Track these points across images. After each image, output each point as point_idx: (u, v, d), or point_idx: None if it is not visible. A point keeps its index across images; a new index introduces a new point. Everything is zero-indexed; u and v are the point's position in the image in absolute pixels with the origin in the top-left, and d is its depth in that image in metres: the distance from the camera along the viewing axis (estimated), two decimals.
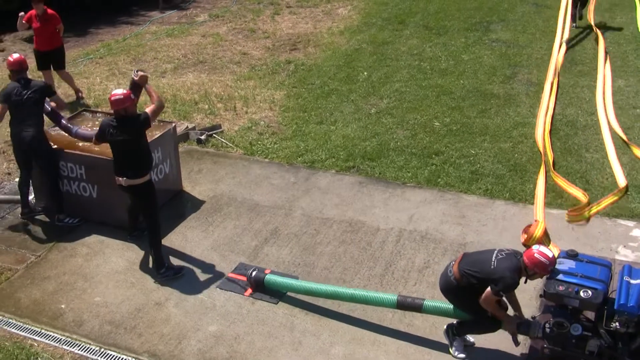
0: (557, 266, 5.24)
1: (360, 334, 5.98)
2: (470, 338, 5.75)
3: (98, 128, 6.82)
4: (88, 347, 5.93)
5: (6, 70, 7.59)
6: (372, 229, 7.44)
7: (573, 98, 10.51)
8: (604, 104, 10.23)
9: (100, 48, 13.70)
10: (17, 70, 7.39)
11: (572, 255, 5.42)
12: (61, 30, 10.53)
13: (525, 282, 5.26)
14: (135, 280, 6.76)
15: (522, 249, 5.33)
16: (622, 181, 7.99)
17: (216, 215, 7.78)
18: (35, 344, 5.97)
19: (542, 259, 5.03)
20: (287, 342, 5.91)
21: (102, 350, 5.90)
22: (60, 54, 10.64)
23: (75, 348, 5.92)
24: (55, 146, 7.55)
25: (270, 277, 6.40)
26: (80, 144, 7.61)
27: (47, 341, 6.00)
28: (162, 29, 14.88)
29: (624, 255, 6.83)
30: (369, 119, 10.00)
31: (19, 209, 7.82)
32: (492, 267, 5.16)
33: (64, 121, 7.65)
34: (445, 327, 5.74)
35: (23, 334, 6.10)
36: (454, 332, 5.67)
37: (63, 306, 6.43)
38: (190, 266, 6.93)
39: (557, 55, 11.94)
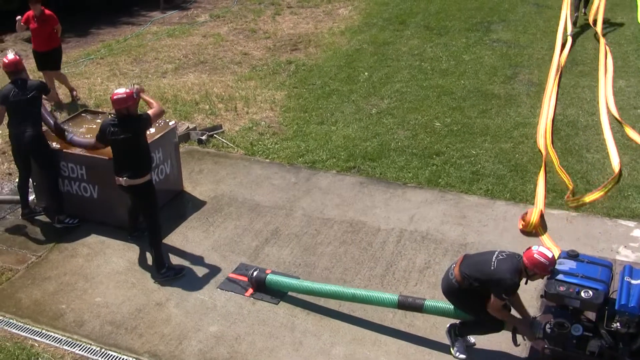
0: (558, 266, 5.24)
1: (361, 334, 5.98)
2: (471, 338, 5.75)
3: (98, 130, 6.84)
4: (89, 348, 5.93)
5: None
6: (372, 229, 7.44)
7: (574, 98, 10.50)
8: (605, 85, 10.65)
9: (101, 48, 13.71)
10: (13, 71, 7.39)
11: (572, 255, 5.42)
12: (59, 30, 10.51)
13: (526, 282, 5.26)
14: (136, 281, 6.76)
15: (522, 248, 5.32)
16: (615, 163, 8.26)
17: (217, 216, 7.78)
18: (36, 345, 5.98)
19: (542, 260, 5.03)
20: (287, 343, 5.91)
21: (103, 350, 5.90)
22: (57, 55, 10.63)
23: (76, 348, 5.93)
24: (57, 146, 7.56)
25: (271, 277, 6.40)
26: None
27: (47, 341, 6.01)
28: (163, 29, 14.89)
29: (625, 255, 6.82)
30: (370, 120, 10.00)
31: (20, 210, 7.83)
32: (492, 268, 5.16)
33: (58, 123, 7.66)
34: (447, 326, 5.74)
35: (24, 334, 6.10)
36: (456, 333, 5.67)
37: (64, 306, 6.44)
38: (191, 266, 6.93)
39: (563, 49, 12.17)
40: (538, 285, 6.02)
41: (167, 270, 6.76)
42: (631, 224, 7.35)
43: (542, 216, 7.33)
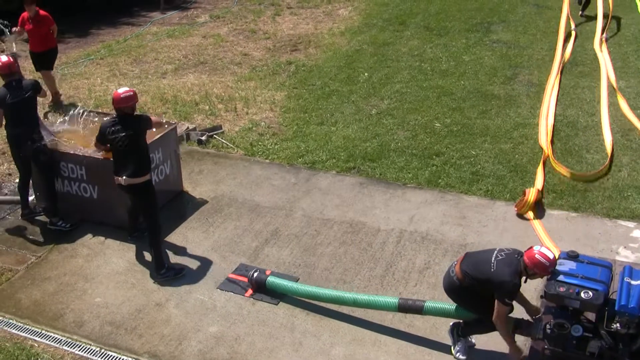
0: (558, 267, 5.23)
1: (360, 334, 5.98)
2: (472, 339, 5.75)
3: (98, 132, 6.87)
4: (88, 348, 5.93)
5: None
6: (372, 229, 7.44)
7: (574, 99, 10.51)
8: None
9: (101, 49, 13.71)
10: (7, 74, 7.38)
11: (572, 256, 5.42)
12: (55, 31, 10.51)
13: (525, 281, 5.25)
14: (135, 281, 6.76)
15: (522, 249, 5.32)
16: (608, 140, 8.88)
17: (217, 216, 7.78)
18: (36, 345, 5.97)
19: (543, 260, 5.03)
20: (287, 343, 5.91)
21: (103, 351, 5.90)
22: (53, 55, 10.63)
23: (75, 349, 5.92)
24: (55, 143, 7.56)
25: (272, 280, 6.40)
26: (82, 147, 7.62)
27: (47, 342, 6.01)
28: (163, 30, 14.89)
29: (625, 256, 6.82)
30: (370, 120, 10.00)
31: (20, 210, 7.83)
32: (492, 269, 5.15)
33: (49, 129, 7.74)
34: (450, 326, 5.73)
35: (23, 334, 6.10)
36: (459, 333, 5.66)
37: (63, 307, 6.44)
38: (191, 267, 6.93)
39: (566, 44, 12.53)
40: (538, 285, 6.02)
41: (167, 271, 6.75)
42: (631, 224, 7.35)
43: (539, 199, 7.52)
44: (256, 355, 5.79)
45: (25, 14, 10.20)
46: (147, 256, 7.04)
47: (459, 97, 10.71)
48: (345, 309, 6.24)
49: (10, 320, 6.28)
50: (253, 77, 11.78)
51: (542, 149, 8.85)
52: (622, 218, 7.46)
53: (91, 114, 8.30)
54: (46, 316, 6.33)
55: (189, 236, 7.44)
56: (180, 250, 7.19)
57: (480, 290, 5.27)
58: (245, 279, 6.59)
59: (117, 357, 5.83)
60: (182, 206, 8.01)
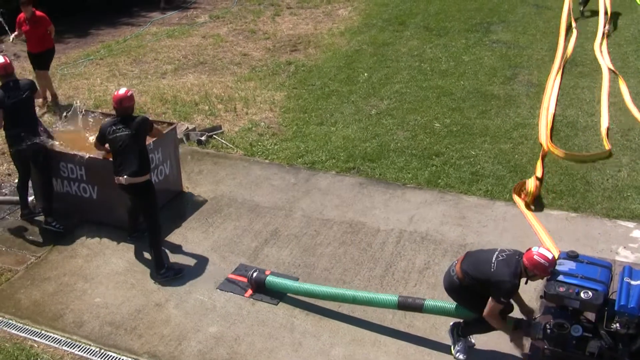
0: (558, 267, 5.23)
1: (360, 334, 5.98)
2: (472, 339, 5.75)
3: (98, 132, 6.90)
4: (88, 348, 5.93)
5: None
6: (372, 230, 7.44)
7: (573, 99, 10.51)
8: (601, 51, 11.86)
9: (101, 49, 13.71)
10: (3, 75, 7.37)
11: (572, 256, 5.41)
12: (52, 32, 10.51)
13: (526, 282, 5.26)
14: (135, 281, 6.76)
15: (522, 249, 5.32)
16: (605, 125, 9.31)
17: (216, 216, 7.78)
18: (36, 345, 5.97)
19: (542, 261, 5.03)
20: (287, 343, 5.91)
21: (102, 351, 5.89)
22: (50, 56, 10.62)
23: (75, 349, 5.92)
24: (56, 144, 7.56)
25: (271, 279, 6.40)
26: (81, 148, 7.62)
27: (47, 342, 6.01)
28: (163, 30, 14.89)
29: (624, 256, 6.82)
30: (370, 120, 10.00)
31: (19, 210, 7.82)
32: (492, 269, 5.15)
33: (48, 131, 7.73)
34: (450, 325, 5.73)
35: (23, 335, 6.10)
36: (459, 333, 5.66)
37: (63, 307, 6.43)
38: (191, 267, 6.93)
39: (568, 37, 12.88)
40: (538, 286, 6.02)
41: (167, 271, 6.75)
42: (630, 224, 7.35)
43: (538, 185, 7.79)
44: (256, 356, 5.78)
45: (22, 15, 10.20)
46: (147, 256, 7.04)
47: (458, 97, 10.71)
48: (345, 309, 6.24)
49: (10, 321, 6.28)
50: (253, 78, 11.79)
51: (541, 145, 8.93)
52: (621, 218, 7.46)
53: (89, 113, 8.30)
54: (46, 316, 6.32)
55: (188, 236, 7.44)
56: (180, 251, 7.19)
57: (480, 290, 5.27)
58: (245, 279, 6.59)
59: (116, 358, 5.83)
60: (181, 206, 8.01)
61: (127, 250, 7.23)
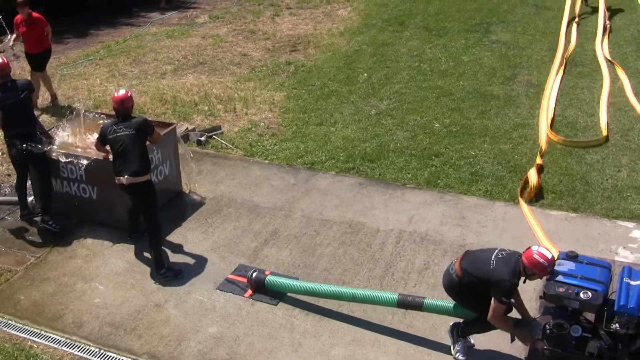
0: (557, 267, 5.23)
1: (360, 335, 5.98)
2: (471, 339, 5.75)
3: (99, 134, 6.91)
4: (88, 349, 5.93)
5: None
6: (372, 230, 7.44)
7: (573, 99, 10.51)
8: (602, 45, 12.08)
9: (101, 49, 13.70)
10: (1, 75, 7.38)
11: (571, 256, 5.42)
12: (49, 33, 10.50)
13: (524, 282, 5.26)
14: (135, 282, 6.76)
15: (522, 249, 5.32)
16: (603, 123, 9.42)
17: (216, 217, 7.78)
18: (35, 346, 5.97)
19: (541, 260, 5.03)
20: (287, 344, 5.91)
21: (102, 351, 5.89)
22: (46, 57, 10.62)
23: (74, 349, 5.92)
24: (54, 145, 7.56)
25: (271, 278, 6.40)
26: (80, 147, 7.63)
27: (46, 342, 6.00)
28: (162, 30, 14.89)
29: (624, 256, 6.82)
30: (369, 121, 10.00)
31: (19, 211, 7.81)
32: (491, 267, 5.16)
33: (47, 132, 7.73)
34: (450, 326, 5.73)
35: (23, 335, 6.10)
36: (459, 333, 5.66)
37: (63, 308, 6.43)
38: (190, 267, 6.93)
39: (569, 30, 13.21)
40: (537, 286, 6.02)
41: (167, 271, 6.75)
42: (630, 225, 7.35)
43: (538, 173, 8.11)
44: (255, 356, 5.78)
45: (18, 17, 10.21)
46: (147, 257, 7.04)
47: (458, 97, 10.71)
48: (344, 309, 6.24)
49: (10, 321, 6.27)
50: (252, 78, 11.79)
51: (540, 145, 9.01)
52: (621, 218, 7.46)
53: (88, 114, 8.30)
54: (45, 317, 6.32)
55: (188, 237, 7.44)
56: (180, 251, 7.19)
57: (479, 289, 5.27)
58: (245, 280, 6.59)
59: (116, 358, 5.82)
60: (181, 207, 8.01)
61: (126, 251, 7.23)
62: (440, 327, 5.93)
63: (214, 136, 9.53)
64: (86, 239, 7.43)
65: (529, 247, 5.16)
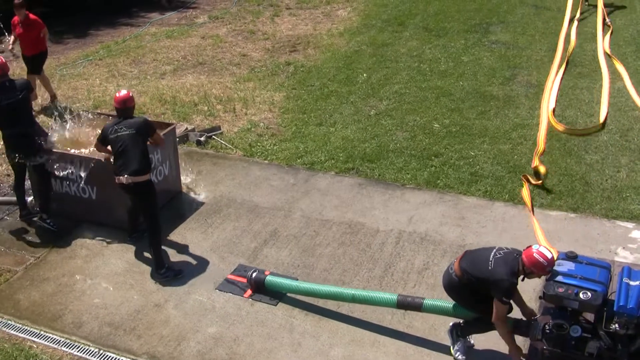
0: (557, 268, 5.24)
1: (359, 335, 5.98)
2: (471, 339, 5.75)
3: (100, 134, 6.92)
4: (87, 349, 5.93)
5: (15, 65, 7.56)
6: (371, 230, 7.44)
7: (572, 100, 10.51)
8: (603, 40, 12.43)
9: (100, 49, 13.70)
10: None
11: (571, 256, 5.42)
12: (46, 34, 10.50)
13: (523, 280, 5.25)
14: (134, 282, 6.76)
15: (521, 248, 5.32)
16: (603, 114, 9.66)
17: (215, 217, 7.78)
18: (35, 346, 5.97)
19: (541, 259, 5.03)
20: (286, 344, 5.91)
21: (102, 351, 5.89)
22: (42, 59, 10.61)
23: (74, 350, 5.92)
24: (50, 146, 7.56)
25: (270, 278, 6.40)
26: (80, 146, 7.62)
27: (46, 343, 6.00)
28: (162, 31, 14.89)
29: (623, 256, 6.83)
30: (369, 121, 10.00)
31: (19, 211, 7.81)
32: (490, 267, 5.16)
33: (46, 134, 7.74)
34: (450, 326, 5.73)
35: (22, 335, 6.10)
36: (458, 333, 5.66)
37: (62, 308, 6.43)
38: (190, 267, 6.93)
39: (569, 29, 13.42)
40: (537, 286, 6.02)
41: (167, 271, 6.76)
42: (630, 225, 7.35)
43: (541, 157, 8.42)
44: (255, 356, 5.78)
45: (15, 18, 10.21)
46: (146, 257, 7.04)
47: (457, 97, 10.71)
48: (344, 310, 6.24)
49: (9, 321, 6.27)
50: (252, 78, 11.79)
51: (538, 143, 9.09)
52: (620, 219, 7.47)
53: (87, 114, 8.30)
54: (45, 317, 6.32)
55: (187, 237, 7.44)
56: (179, 251, 7.19)
57: (478, 288, 5.27)
58: (244, 280, 6.59)
59: (115, 358, 5.83)
60: (180, 207, 8.01)
61: (126, 251, 7.23)
62: (439, 328, 5.93)
63: (213, 136, 9.53)
64: (86, 239, 7.43)
65: (530, 246, 5.16)
